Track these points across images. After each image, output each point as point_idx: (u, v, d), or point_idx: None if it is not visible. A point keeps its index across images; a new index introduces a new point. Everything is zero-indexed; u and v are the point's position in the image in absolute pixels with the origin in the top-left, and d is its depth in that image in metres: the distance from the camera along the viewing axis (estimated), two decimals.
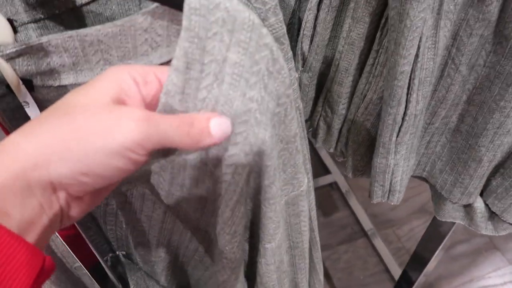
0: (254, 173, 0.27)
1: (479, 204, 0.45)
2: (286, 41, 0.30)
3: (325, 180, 1.33)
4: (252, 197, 0.30)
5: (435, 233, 0.59)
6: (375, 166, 0.40)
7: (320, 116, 0.46)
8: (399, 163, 0.39)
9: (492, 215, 0.46)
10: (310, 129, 0.48)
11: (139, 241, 0.35)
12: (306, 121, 0.49)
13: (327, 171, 1.35)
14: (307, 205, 0.34)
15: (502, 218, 0.44)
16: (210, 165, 0.25)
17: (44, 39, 0.23)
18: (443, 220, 0.47)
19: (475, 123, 0.38)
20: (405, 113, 0.36)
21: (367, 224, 1.22)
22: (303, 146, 0.33)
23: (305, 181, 0.31)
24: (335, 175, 1.34)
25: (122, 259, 0.39)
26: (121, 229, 0.35)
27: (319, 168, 1.37)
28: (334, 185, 1.33)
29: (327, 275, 1.14)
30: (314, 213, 0.44)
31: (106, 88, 0.20)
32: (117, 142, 0.18)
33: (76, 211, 0.20)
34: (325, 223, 1.23)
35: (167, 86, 0.21)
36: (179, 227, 0.33)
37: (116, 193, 0.31)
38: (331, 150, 0.48)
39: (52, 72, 0.25)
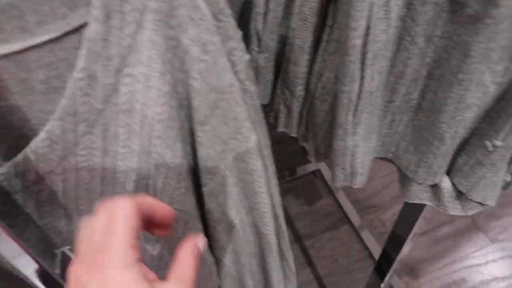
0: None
1: (445, 183, 0.43)
2: (227, 18, 0.28)
3: (308, 168, 1.32)
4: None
5: (410, 212, 0.58)
6: (335, 149, 0.38)
7: (280, 99, 0.44)
8: (358, 144, 0.38)
9: (459, 195, 0.44)
10: (272, 114, 0.46)
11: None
12: (267, 105, 0.46)
13: (308, 159, 1.33)
14: (261, 166, 0.33)
15: (468, 197, 0.42)
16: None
17: None
18: (411, 201, 0.46)
19: (436, 98, 0.36)
20: (360, 91, 0.34)
21: (350, 210, 1.21)
22: (248, 107, 0.31)
23: (253, 138, 0.30)
24: (318, 163, 1.32)
25: (69, 253, 0.37)
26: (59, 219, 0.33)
27: (301, 156, 1.35)
28: (317, 173, 1.31)
29: (310, 264, 1.13)
30: (278, 199, 0.42)
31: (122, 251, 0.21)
32: None
33: None
34: (308, 211, 1.22)
35: (89, 34, 0.22)
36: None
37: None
38: (294, 135, 0.46)
39: None
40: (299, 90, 0.41)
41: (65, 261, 0.39)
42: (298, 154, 1.37)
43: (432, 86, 0.36)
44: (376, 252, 1.14)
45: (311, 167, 1.30)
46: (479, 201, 0.42)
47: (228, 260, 0.42)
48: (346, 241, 1.16)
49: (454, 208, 0.45)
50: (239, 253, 0.41)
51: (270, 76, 0.43)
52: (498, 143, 0.37)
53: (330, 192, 1.26)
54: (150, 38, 0.24)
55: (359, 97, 0.34)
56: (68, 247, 0.36)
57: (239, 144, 0.31)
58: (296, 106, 0.42)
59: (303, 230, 1.18)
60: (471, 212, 0.44)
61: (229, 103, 0.28)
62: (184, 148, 0.31)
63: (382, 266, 0.71)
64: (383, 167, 1.43)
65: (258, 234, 0.40)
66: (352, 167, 0.40)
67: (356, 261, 1.11)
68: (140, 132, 0.28)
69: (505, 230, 1.17)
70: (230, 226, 0.37)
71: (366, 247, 1.13)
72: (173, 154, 0.29)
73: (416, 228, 0.60)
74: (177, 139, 0.29)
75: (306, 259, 1.13)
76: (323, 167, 1.30)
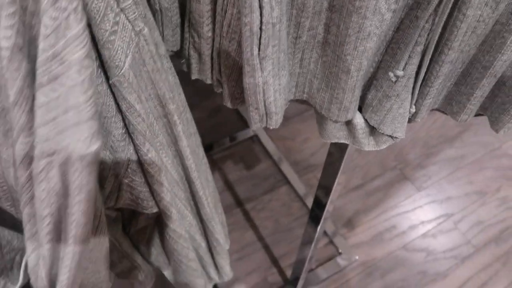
0: None
1: (358, 120, 0.45)
2: None
3: (245, 134, 1.32)
4: None
5: (334, 160, 0.59)
6: (246, 88, 0.38)
7: (189, 43, 0.42)
8: (268, 81, 0.37)
9: (373, 130, 0.46)
10: (183, 61, 0.44)
11: None
12: (178, 52, 0.44)
13: (247, 125, 1.34)
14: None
15: (380, 131, 0.44)
16: None
17: None
18: (328, 141, 0.47)
19: (339, 31, 0.36)
20: (261, 22, 0.33)
21: (289, 172, 1.24)
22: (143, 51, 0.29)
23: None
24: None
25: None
26: None
27: (239, 122, 1.35)
28: (255, 138, 1.32)
29: (253, 226, 1.14)
30: (191, 162, 0.41)
31: None
32: None
33: None
34: (248, 176, 1.23)
35: None
36: None
37: None
38: (209, 81, 0.45)
39: None
40: (206, 31, 0.39)
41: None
42: (236, 121, 1.37)
43: (335, 19, 0.36)
44: None
45: (248, 133, 1.31)
46: (389, 134, 0.44)
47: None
48: (286, 200, 1.19)
49: (368, 144, 0.47)
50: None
51: (176, 19, 0.41)
52: (399, 72, 0.39)
53: (269, 155, 1.27)
54: None
55: (261, 29, 0.33)
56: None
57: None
58: (206, 48, 0.41)
59: (244, 194, 1.20)
60: (383, 146, 0.46)
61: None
62: None
63: (316, 215, 0.74)
64: None
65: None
66: (265, 107, 0.39)
67: (296, 218, 1.15)
68: None
69: (430, 178, 1.26)
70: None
71: (304, 205, 1.17)
72: None
73: (341, 177, 0.62)
74: None
75: (248, 222, 1.15)
76: (260, 132, 1.31)
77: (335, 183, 0.63)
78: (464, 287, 1.05)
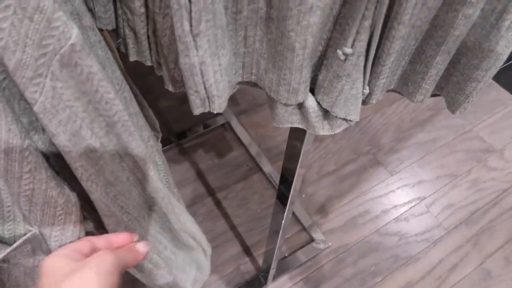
0: None
1: (310, 102, 0.42)
2: None
3: (217, 121, 1.29)
4: None
5: (295, 142, 0.57)
6: (182, 69, 0.35)
7: (123, 20, 0.38)
8: (205, 61, 0.34)
9: (326, 114, 0.43)
10: (119, 40, 0.41)
11: None
12: (114, 30, 0.41)
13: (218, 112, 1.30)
14: (95, 66, 0.29)
15: (333, 114, 0.42)
16: None
17: None
18: (281, 125, 0.44)
19: (281, 5, 0.33)
20: None
21: (261, 159, 1.22)
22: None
23: (74, 32, 0.26)
24: (227, 115, 1.30)
25: None
26: None
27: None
28: (226, 125, 1.29)
29: (224, 215, 1.12)
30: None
31: None
32: None
33: None
34: (220, 164, 1.20)
35: None
36: None
37: None
38: (148, 63, 0.41)
39: None
40: (138, 6, 0.36)
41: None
42: None
43: None
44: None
45: (220, 120, 1.28)
46: (343, 117, 0.42)
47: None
48: (258, 188, 1.17)
49: (322, 128, 0.44)
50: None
51: None
52: (347, 50, 0.36)
53: (241, 143, 1.25)
54: None
55: (190, 1, 0.30)
56: None
57: (58, 43, 0.26)
58: (141, 27, 0.37)
59: (216, 183, 1.17)
60: (338, 130, 0.44)
61: None
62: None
63: (282, 201, 0.72)
64: None
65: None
66: (206, 89, 0.36)
67: (268, 206, 1.13)
68: None
69: (402, 162, 1.26)
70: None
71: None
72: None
73: (304, 161, 0.60)
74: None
75: (220, 211, 1.12)
76: (231, 119, 1.28)
77: (298, 166, 0.61)
78: (435, 269, 1.06)
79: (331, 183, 1.19)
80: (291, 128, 0.57)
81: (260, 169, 1.20)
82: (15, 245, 0.30)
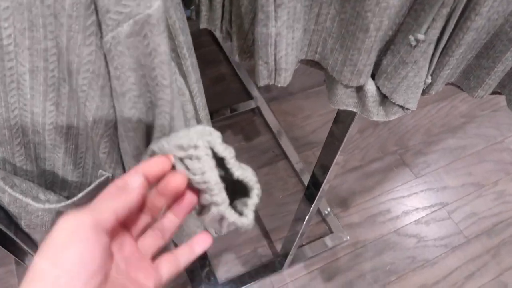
0: None
1: (370, 86, 0.43)
2: None
3: (247, 105, 1.30)
4: None
5: (336, 136, 0.58)
6: (257, 38, 0.36)
7: None
8: (281, 32, 0.35)
9: (384, 100, 0.44)
10: (192, 7, 0.42)
11: None
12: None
13: (249, 97, 1.31)
14: (165, 46, 0.27)
15: (391, 100, 0.42)
16: None
17: None
18: (337, 107, 0.45)
19: None
20: None
21: (288, 147, 1.23)
22: None
23: (155, 4, 0.24)
24: (258, 101, 1.31)
25: None
26: None
27: (241, 93, 1.33)
28: (256, 110, 1.30)
29: None
30: (198, 100, 0.39)
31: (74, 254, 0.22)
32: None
33: None
34: (247, 148, 1.22)
35: None
36: None
37: None
38: (217, 32, 0.42)
39: None
40: None
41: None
42: (239, 92, 1.34)
43: None
44: None
45: (250, 104, 1.29)
46: (401, 104, 0.42)
47: None
48: (282, 175, 1.18)
49: (377, 114, 0.45)
50: None
51: None
52: (420, 36, 0.36)
53: (269, 129, 1.26)
54: None
55: None
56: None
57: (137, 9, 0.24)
58: None
59: None
60: (393, 117, 0.44)
61: None
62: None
63: (311, 193, 0.72)
64: (321, 105, 1.45)
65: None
66: (275, 61, 0.37)
67: (291, 194, 1.14)
68: None
69: (429, 166, 1.25)
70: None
71: (300, 181, 1.16)
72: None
73: (340, 157, 0.60)
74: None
75: None
76: (262, 104, 1.29)
77: (334, 162, 0.62)
78: (451, 275, 1.06)
79: (355, 179, 1.20)
80: (332, 124, 0.57)
81: (286, 157, 1.20)
82: (92, 186, 0.32)
